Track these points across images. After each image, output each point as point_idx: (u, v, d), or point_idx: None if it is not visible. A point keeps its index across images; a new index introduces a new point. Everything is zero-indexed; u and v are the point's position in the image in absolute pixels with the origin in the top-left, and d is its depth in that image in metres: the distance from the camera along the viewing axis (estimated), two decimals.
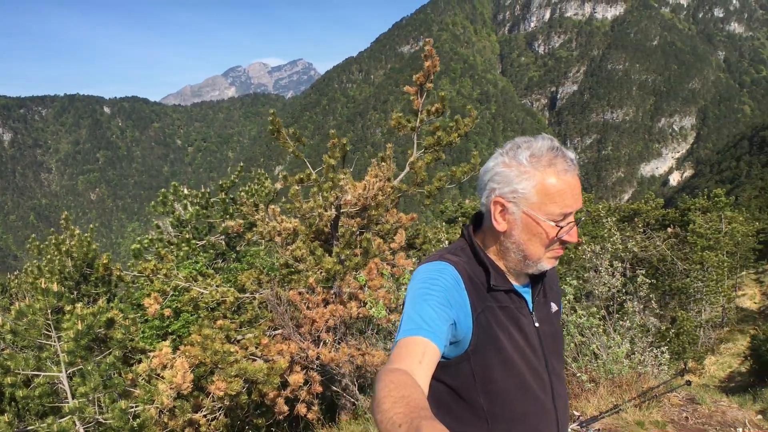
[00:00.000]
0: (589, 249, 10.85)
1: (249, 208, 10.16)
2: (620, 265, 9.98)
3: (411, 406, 1.67)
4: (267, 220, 9.16)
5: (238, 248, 15.11)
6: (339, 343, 8.75)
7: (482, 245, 2.41)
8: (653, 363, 9.50)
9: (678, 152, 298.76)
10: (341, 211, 9.27)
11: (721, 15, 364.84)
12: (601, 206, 30.50)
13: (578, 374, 8.13)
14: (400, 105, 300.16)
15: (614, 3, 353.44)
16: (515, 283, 2.41)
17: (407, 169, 10.52)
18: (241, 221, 10.74)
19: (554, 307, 2.60)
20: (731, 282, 30.01)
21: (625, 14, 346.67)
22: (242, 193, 12.65)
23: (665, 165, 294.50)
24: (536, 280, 2.48)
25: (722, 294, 27.05)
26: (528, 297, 2.44)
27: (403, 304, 2.24)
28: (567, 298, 9.10)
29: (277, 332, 8.94)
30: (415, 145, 10.69)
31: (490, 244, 2.40)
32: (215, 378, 7.60)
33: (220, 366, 7.56)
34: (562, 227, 2.22)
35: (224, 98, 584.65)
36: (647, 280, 10.29)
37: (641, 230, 28.60)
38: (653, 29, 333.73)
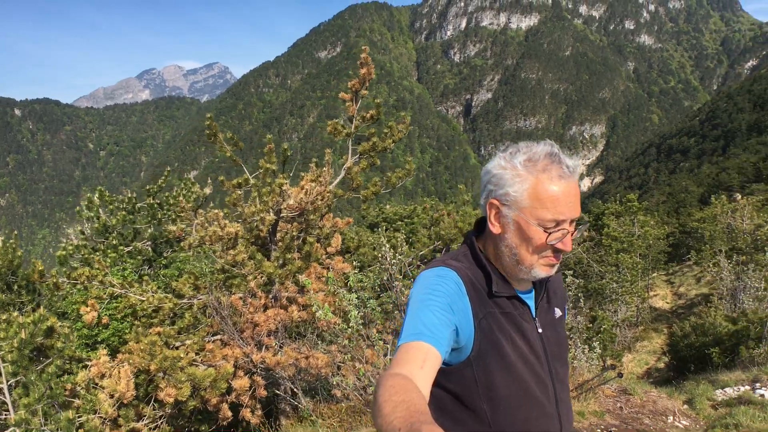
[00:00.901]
0: None
1: (188, 213, 9.96)
2: None
3: (411, 410, 1.67)
4: (206, 224, 9.00)
5: (165, 254, 14.83)
6: (281, 347, 8.67)
7: (484, 250, 2.41)
8: (585, 358, 9.90)
9: (589, 159, 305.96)
10: (281, 215, 9.20)
11: (631, 27, 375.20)
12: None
13: None
14: (317, 111, 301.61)
15: (528, 14, 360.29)
16: (518, 289, 2.41)
17: (342, 174, 10.55)
18: (183, 226, 10.41)
19: (558, 312, 2.58)
20: (644, 283, 30.55)
21: (539, 25, 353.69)
22: (180, 198, 12.38)
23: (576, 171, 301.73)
24: (540, 285, 2.49)
25: (636, 294, 27.59)
26: (531, 303, 2.44)
27: (406, 310, 2.23)
28: None
29: (216, 338, 8.81)
30: (350, 151, 10.71)
31: (490, 248, 2.40)
32: (163, 385, 7.44)
33: (169, 372, 7.42)
34: (550, 233, 2.20)
35: (138, 101, 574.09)
36: (576, 280, 10.42)
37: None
38: (566, 40, 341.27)
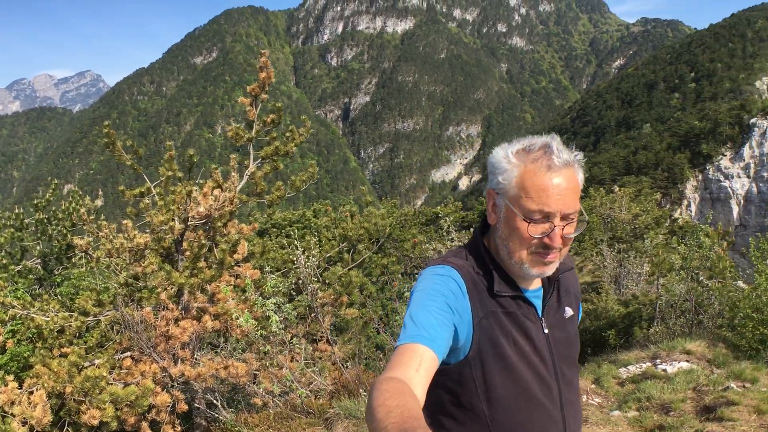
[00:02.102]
0: (431, 248, 11.24)
1: (90, 226, 9.49)
2: None
3: (404, 416, 1.65)
4: (111, 236, 8.63)
5: (56, 272, 14.14)
6: (197, 359, 8.47)
7: (488, 246, 2.39)
8: None
9: (466, 158, 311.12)
10: (188, 224, 8.93)
11: (504, 30, 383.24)
12: (406, 211, 31.11)
13: None
14: (194, 118, 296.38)
15: (404, 17, 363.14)
16: (525, 287, 2.37)
17: (245, 179, 10.34)
18: (90, 239, 9.93)
19: (569, 312, 2.53)
20: None
21: (415, 28, 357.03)
22: (82, 210, 11.92)
23: (454, 171, 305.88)
24: (549, 283, 2.45)
25: None
26: (538, 302, 2.40)
27: (407, 308, 2.22)
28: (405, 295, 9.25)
29: (126, 354, 8.50)
30: (251, 156, 10.55)
31: (492, 243, 2.38)
32: (84, 407, 7.08)
33: (90, 393, 7.08)
34: (529, 224, 2.17)
35: (8, 113, 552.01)
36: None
37: (445, 232, 29.20)
38: (441, 43, 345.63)
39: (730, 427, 7.20)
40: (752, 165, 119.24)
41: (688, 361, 10.15)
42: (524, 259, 2.23)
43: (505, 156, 2.26)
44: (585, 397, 8.57)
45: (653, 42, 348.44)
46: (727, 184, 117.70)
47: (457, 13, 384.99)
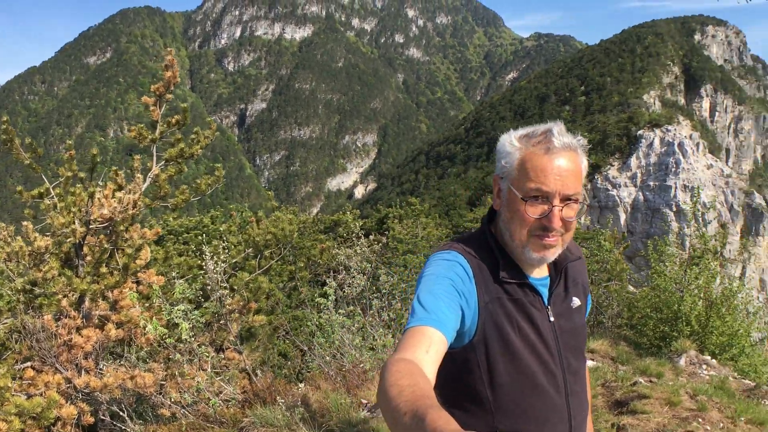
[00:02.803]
0: (341, 252, 11.05)
1: None
2: (369, 266, 10.40)
3: (417, 394, 1.67)
4: (9, 240, 8.24)
5: None
6: (101, 369, 7.98)
7: (495, 233, 2.43)
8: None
9: (362, 167, 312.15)
10: (90, 227, 8.43)
11: (401, 41, 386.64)
12: (304, 218, 30.88)
13: (360, 365, 8.32)
14: (86, 120, 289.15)
15: (303, 25, 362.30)
16: (532, 275, 2.41)
17: (148, 182, 9.84)
18: None
19: (576, 302, 2.53)
20: None
21: (313, 36, 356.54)
22: None
23: (350, 179, 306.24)
24: (556, 272, 2.47)
25: None
26: (545, 290, 2.43)
27: (415, 292, 2.25)
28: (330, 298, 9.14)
29: (26, 364, 7.93)
30: (155, 158, 10.09)
31: (498, 230, 2.42)
32: None
33: None
34: (527, 203, 2.22)
35: None
36: (390, 279, 10.24)
37: (343, 239, 29.01)
38: (339, 51, 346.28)
39: (644, 419, 7.39)
40: (639, 174, 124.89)
41: (593, 359, 10.31)
42: (525, 242, 2.27)
43: (509, 141, 2.33)
44: None
45: (546, 56, 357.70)
46: (615, 192, 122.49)
47: (355, 22, 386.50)
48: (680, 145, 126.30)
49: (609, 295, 13.95)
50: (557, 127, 2.27)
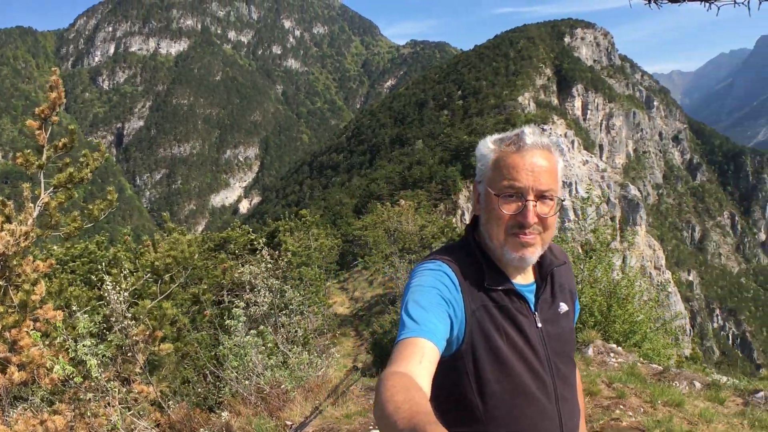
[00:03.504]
0: (246, 270, 10.82)
1: None
2: (276, 282, 10.26)
3: (414, 410, 1.67)
4: None
5: None
6: (8, 417, 7.37)
7: (479, 241, 2.43)
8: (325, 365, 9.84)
9: (245, 181, 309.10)
10: None
11: (279, 52, 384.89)
12: (186, 238, 30.17)
13: (281, 386, 8.21)
14: None
15: (178, 39, 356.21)
16: (519, 282, 2.40)
17: (37, 210, 9.22)
18: None
19: (564, 307, 2.52)
20: (323, 292, 30.88)
21: (189, 50, 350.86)
22: None
23: (234, 194, 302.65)
24: (542, 278, 2.47)
25: (322, 304, 27.63)
26: (531, 296, 2.43)
27: (401, 305, 2.25)
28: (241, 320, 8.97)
29: None
30: (42, 184, 9.50)
31: (481, 237, 2.42)
32: None
33: None
34: (501, 198, 2.24)
35: None
36: (296, 296, 9.79)
37: (234, 255, 28.43)
38: (216, 65, 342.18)
39: None
40: None
41: None
42: (503, 242, 2.28)
43: (485, 145, 2.37)
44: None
45: (422, 63, 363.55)
46: None
47: (231, 34, 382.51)
48: (556, 143, 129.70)
49: None
50: (529, 128, 2.31)
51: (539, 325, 2.36)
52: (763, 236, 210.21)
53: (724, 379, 9.86)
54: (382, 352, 17.36)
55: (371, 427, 7.52)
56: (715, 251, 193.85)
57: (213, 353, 10.24)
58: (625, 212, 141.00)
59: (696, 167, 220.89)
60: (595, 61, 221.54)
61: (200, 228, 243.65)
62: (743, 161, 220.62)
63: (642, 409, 8.13)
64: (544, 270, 2.43)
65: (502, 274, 2.34)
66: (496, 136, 2.36)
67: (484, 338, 2.23)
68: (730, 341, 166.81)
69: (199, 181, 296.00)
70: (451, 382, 2.25)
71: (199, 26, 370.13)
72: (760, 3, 3.56)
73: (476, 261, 2.34)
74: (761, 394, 8.69)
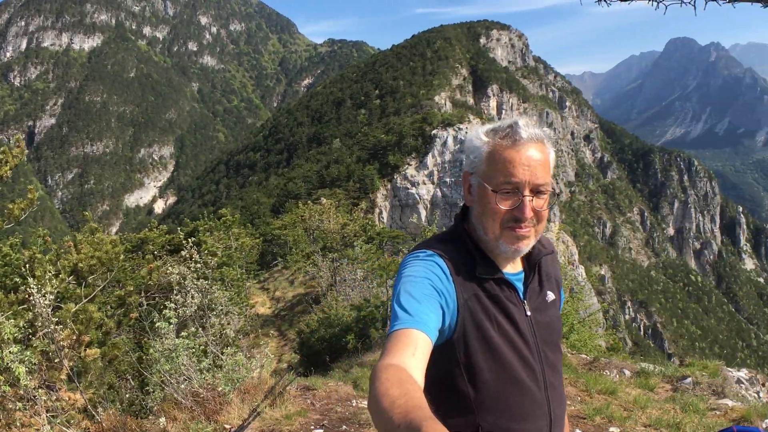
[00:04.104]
0: (175, 271, 10.63)
1: None
2: (205, 282, 10.10)
3: (409, 405, 1.66)
4: None
5: None
6: None
7: (469, 231, 2.43)
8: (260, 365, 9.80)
9: (160, 181, 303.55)
10: None
11: (195, 49, 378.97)
12: (109, 239, 29.42)
13: (218, 388, 8.01)
14: None
15: (92, 34, 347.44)
16: (508, 271, 2.42)
17: None
18: None
19: (551, 296, 2.55)
20: (244, 292, 30.67)
21: (103, 46, 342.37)
22: None
23: (149, 194, 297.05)
24: (530, 267, 2.49)
25: (244, 304, 27.57)
26: (520, 285, 2.44)
27: (393, 295, 2.25)
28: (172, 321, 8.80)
29: None
30: None
31: (472, 227, 2.43)
32: None
33: None
34: (498, 194, 2.25)
35: None
36: (225, 295, 9.80)
37: (153, 257, 27.94)
38: (130, 61, 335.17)
39: None
40: (435, 172, 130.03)
41: None
42: (498, 235, 2.29)
43: (476, 136, 2.35)
44: (354, 402, 8.68)
45: (340, 62, 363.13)
46: (414, 191, 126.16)
47: (147, 30, 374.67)
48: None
49: None
50: (523, 120, 2.30)
51: (528, 313, 2.40)
52: (671, 231, 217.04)
53: (652, 366, 10.25)
54: (309, 352, 17.39)
55: (312, 427, 7.55)
56: (625, 246, 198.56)
57: (138, 356, 10.06)
58: None
59: (607, 165, 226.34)
60: (509, 62, 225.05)
61: (114, 229, 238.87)
62: (652, 159, 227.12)
63: (579, 398, 8.44)
64: (532, 259, 2.50)
65: (493, 263, 2.37)
66: (488, 126, 2.37)
67: (475, 327, 2.25)
68: (642, 332, 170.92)
69: (112, 181, 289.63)
70: (443, 371, 2.25)
71: (114, 21, 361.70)
72: (706, 3, 3.68)
73: (467, 250, 2.37)
74: (689, 379, 9.13)
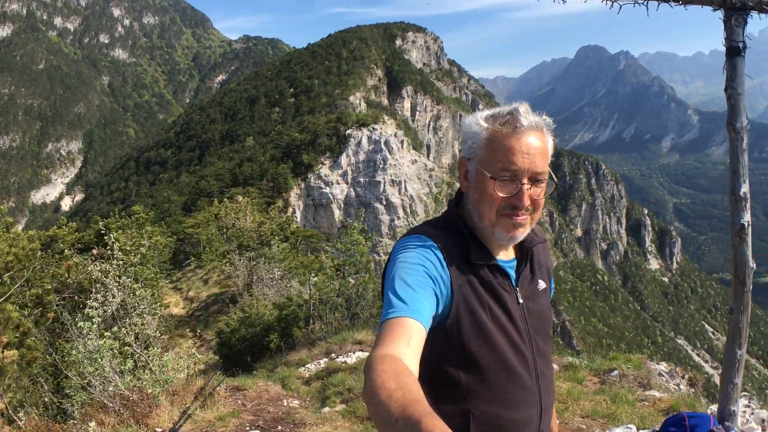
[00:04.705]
0: (96, 270, 10.26)
1: None
2: (128, 280, 9.97)
3: (407, 398, 1.64)
4: None
5: None
6: None
7: (463, 216, 2.42)
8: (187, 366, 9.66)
9: (67, 177, 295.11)
10: None
11: (106, 41, 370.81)
12: (26, 234, 28.34)
13: (149, 391, 7.85)
14: None
15: (2, 24, 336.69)
16: (501, 258, 2.42)
17: None
18: None
19: (542, 284, 2.55)
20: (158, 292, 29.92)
21: (13, 36, 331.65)
22: None
23: (56, 191, 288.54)
24: (522, 255, 2.49)
25: (159, 304, 26.82)
26: (512, 272, 2.44)
27: (384, 282, 2.26)
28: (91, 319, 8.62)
29: None
30: None
31: (467, 213, 2.41)
32: None
33: None
34: (497, 182, 2.23)
35: None
36: (147, 294, 10.44)
37: (68, 254, 27.02)
38: (40, 52, 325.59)
39: None
40: (349, 172, 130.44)
41: (362, 350, 10.81)
42: (494, 222, 2.28)
43: (475, 121, 2.32)
44: (285, 401, 8.68)
45: (254, 59, 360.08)
46: (327, 190, 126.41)
47: (58, 21, 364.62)
48: (386, 142, 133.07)
49: (362, 286, 14.36)
50: (523, 107, 2.28)
51: (520, 301, 2.39)
52: (579, 232, 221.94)
53: (578, 360, 10.39)
54: (229, 352, 17.25)
55: (248, 428, 7.52)
56: None
57: (53, 359, 9.82)
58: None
59: None
60: (424, 64, 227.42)
61: (20, 227, 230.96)
62: (561, 162, 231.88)
63: None
64: (525, 247, 2.48)
65: (486, 250, 2.35)
66: (487, 112, 2.34)
67: (469, 313, 2.22)
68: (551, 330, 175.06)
69: (18, 177, 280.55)
70: (435, 357, 2.21)
71: (25, 11, 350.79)
72: (659, 4, 3.73)
73: (461, 236, 2.35)
74: (615, 372, 9.35)
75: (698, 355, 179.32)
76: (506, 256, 2.43)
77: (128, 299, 9.57)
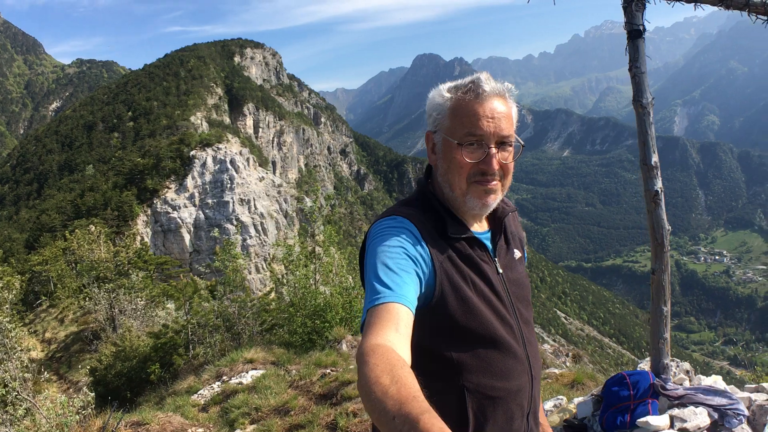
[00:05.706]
0: None
1: None
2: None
3: (403, 394, 1.60)
4: None
5: None
6: None
7: (434, 191, 2.43)
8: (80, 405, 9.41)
9: None
10: None
11: None
12: None
13: None
14: None
15: None
16: (475, 230, 2.42)
17: None
18: None
19: (518, 253, 2.58)
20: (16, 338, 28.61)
21: None
22: None
23: None
24: (496, 226, 2.52)
25: (18, 350, 25.83)
26: (488, 243, 2.45)
27: (363, 268, 2.25)
28: None
29: None
30: None
31: (438, 188, 2.42)
32: None
33: None
34: (464, 148, 2.25)
35: None
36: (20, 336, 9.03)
37: None
38: None
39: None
40: (197, 194, 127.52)
41: (255, 368, 10.61)
42: (465, 190, 2.30)
43: (439, 94, 2.37)
44: (190, 430, 8.39)
45: (89, 83, 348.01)
46: (175, 215, 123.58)
47: None
48: (232, 161, 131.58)
49: (241, 305, 14.15)
50: (484, 74, 2.33)
51: (500, 271, 2.42)
52: None
53: None
54: (106, 390, 16.25)
55: None
56: None
57: None
58: (303, 224, 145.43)
59: (363, 177, 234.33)
60: (264, 80, 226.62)
61: None
62: (405, 169, 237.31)
63: None
64: (497, 216, 2.53)
65: (462, 222, 2.38)
66: (449, 84, 2.39)
67: (453, 290, 2.23)
68: None
69: None
70: (423, 336, 2.20)
71: None
72: None
73: (435, 212, 2.37)
74: None
75: (554, 340, 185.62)
76: (480, 228, 2.50)
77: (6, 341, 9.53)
